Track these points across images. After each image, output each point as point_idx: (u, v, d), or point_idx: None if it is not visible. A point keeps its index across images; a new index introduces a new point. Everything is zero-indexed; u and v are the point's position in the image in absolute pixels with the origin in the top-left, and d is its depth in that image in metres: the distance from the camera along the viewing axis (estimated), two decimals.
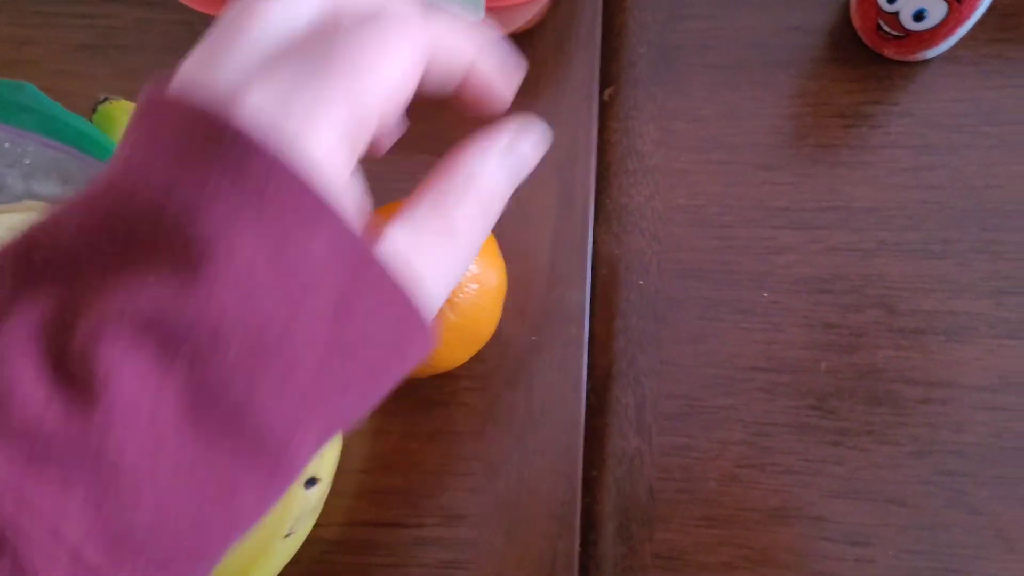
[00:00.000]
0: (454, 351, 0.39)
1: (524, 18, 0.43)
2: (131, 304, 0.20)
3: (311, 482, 0.37)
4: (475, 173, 0.25)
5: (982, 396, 0.40)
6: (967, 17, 0.39)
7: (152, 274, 0.21)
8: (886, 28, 0.42)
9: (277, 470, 0.22)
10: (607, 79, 0.45)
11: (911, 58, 0.42)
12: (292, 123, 0.22)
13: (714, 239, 0.43)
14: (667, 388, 0.41)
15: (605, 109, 0.45)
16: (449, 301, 0.37)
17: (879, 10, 0.41)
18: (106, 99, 0.43)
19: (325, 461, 0.38)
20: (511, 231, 0.43)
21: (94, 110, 0.43)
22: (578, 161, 0.44)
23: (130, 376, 0.20)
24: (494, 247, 0.41)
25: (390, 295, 0.23)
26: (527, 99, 0.44)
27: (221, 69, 0.23)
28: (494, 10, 0.40)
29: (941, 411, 0.40)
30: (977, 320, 0.40)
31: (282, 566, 0.38)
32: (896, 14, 0.41)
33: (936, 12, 0.39)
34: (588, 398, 0.42)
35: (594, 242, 0.43)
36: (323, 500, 0.39)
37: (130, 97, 0.43)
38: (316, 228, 0.21)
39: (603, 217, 0.44)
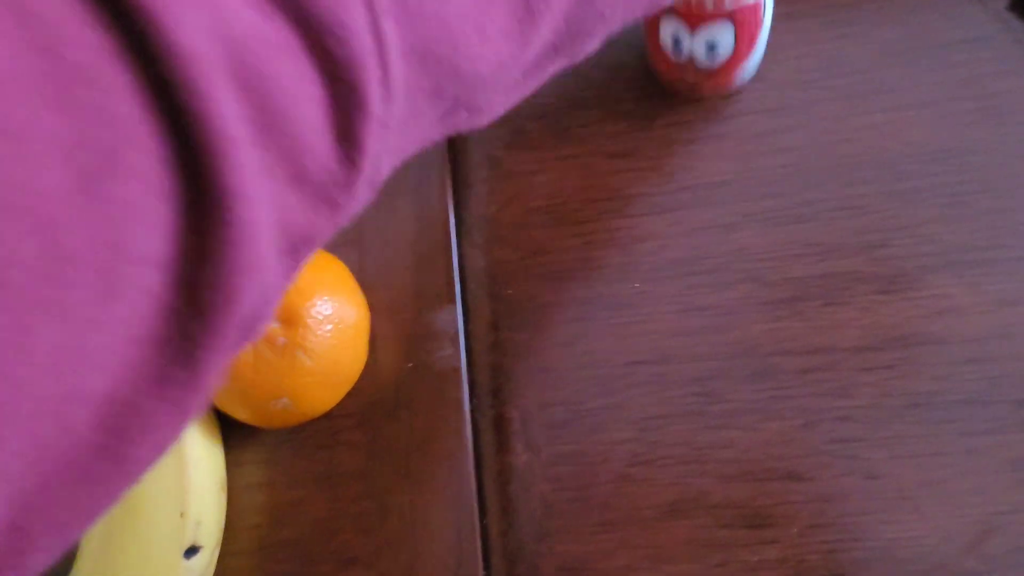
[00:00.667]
0: (320, 395, 0.38)
1: None
2: None
3: (192, 551, 0.37)
4: None
5: (864, 356, 0.39)
6: (755, 37, 0.38)
7: None
8: (689, 78, 0.40)
9: None
10: None
11: (730, 89, 0.41)
12: None
13: (576, 236, 0.42)
14: (549, 396, 0.40)
15: None
16: (303, 347, 0.37)
17: (673, 64, 0.40)
18: None
19: (205, 528, 0.38)
20: (373, 259, 0.42)
21: None
22: (433, 177, 0.43)
23: None
24: (350, 282, 0.40)
25: None
26: None
27: None
28: None
29: (825, 378, 0.39)
30: (850, 279, 0.39)
31: None
32: (691, 59, 0.39)
33: (725, 41, 0.38)
34: (472, 418, 0.41)
35: (459, 257, 0.42)
36: (211, 565, 0.39)
37: None
38: None
39: (465, 230, 0.43)
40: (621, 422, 0.40)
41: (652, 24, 0.39)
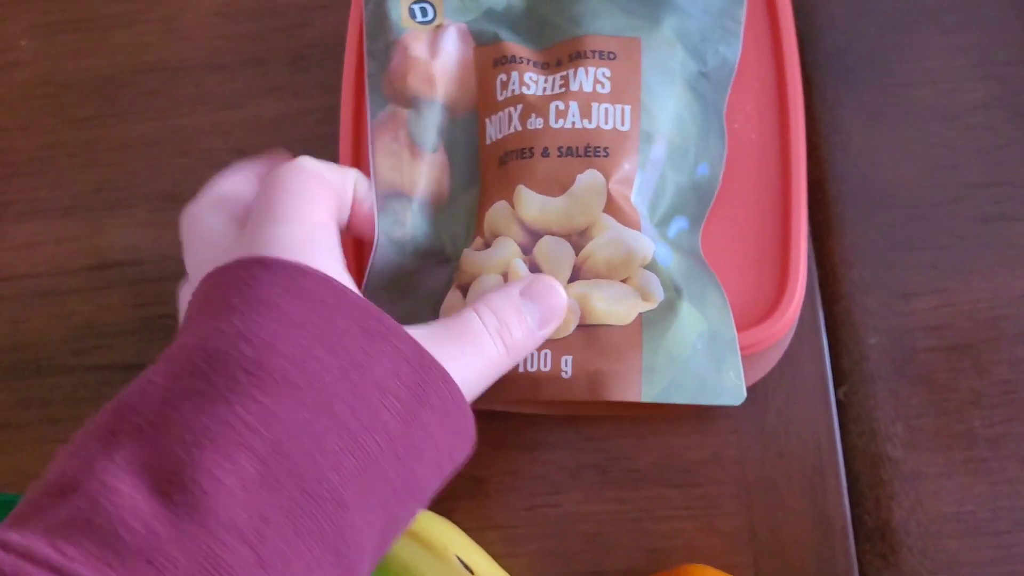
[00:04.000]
0: None
1: (775, 359, 0.40)
2: (223, 425, 0.24)
3: None
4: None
5: None
6: None
7: (238, 399, 0.25)
8: None
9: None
10: (839, 377, 0.42)
11: None
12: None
13: (992, 549, 0.40)
14: None
15: (843, 410, 0.42)
16: None
17: None
18: None
19: None
20: (769, 563, 0.41)
21: None
22: (826, 475, 0.41)
23: (232, 486, 0.23)
24: None
25: (450, 396, 0.29)
26: (755, 409, 0.42)
27: None
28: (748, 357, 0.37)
29: None
30: None
31: None
32: None
33: None
34: None
35: (859, 565, 0.41)
36: None
37: None
38: (384, 341, 0.28)
39: (864, 536, 0.41)
40: None
41: None
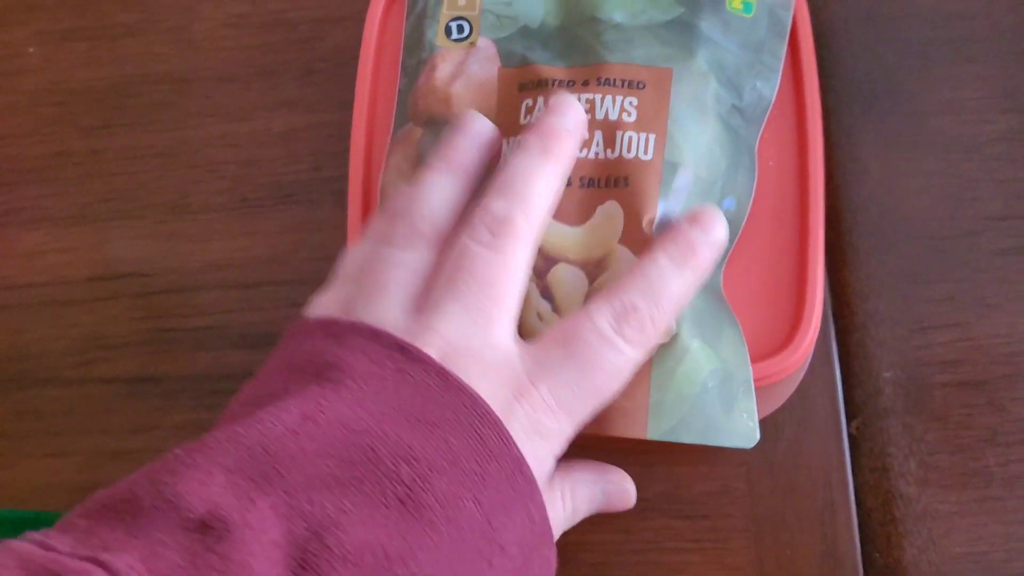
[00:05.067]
0: None
1: (788, 392, 0.39)
2: (367, 543, 0.25)
3: None
4: None
5: None
6: None
7: (383, 517, 0.25)
8: None
9: None
10: (852, 410, 0.42)
11: None
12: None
13: None
14: None
15: (855, 445, 0.41)
16: None
17: None
18: None
19: None
20: None
21: None
22: (837, 511, 0.40)
23: None
24: None
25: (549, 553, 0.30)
26: (765, 442, 0.41)
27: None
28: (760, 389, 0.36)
29: None
30: None
31: None
32: None
33: None
34: None
35: None
36: None
37: None
38: (522, 506, 0.28)
39: (875, 574, 0.40)
40: None
41: None
